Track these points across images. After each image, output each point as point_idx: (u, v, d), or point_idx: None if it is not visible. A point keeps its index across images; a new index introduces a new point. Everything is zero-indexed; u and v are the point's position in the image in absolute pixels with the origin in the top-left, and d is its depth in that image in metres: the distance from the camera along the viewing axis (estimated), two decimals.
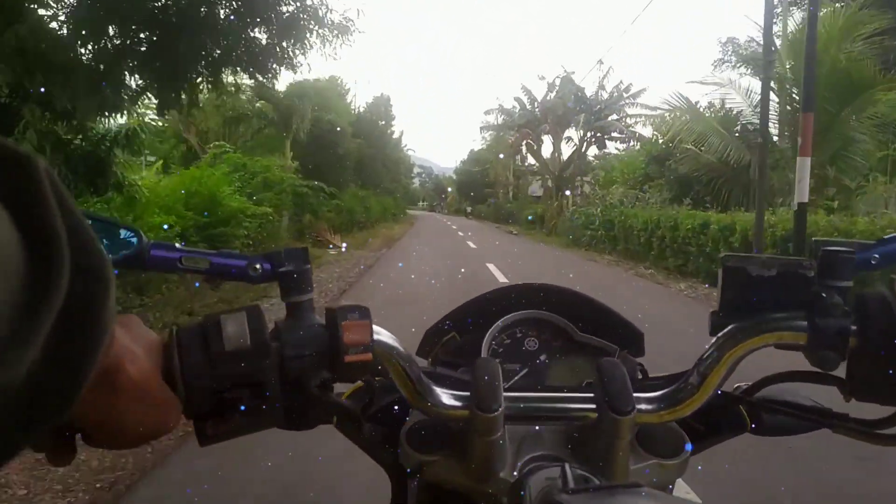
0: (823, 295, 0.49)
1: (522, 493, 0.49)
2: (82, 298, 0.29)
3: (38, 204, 0.27)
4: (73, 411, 0.30)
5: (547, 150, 29.81)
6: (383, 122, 37.28)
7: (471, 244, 19.47)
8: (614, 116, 27.32)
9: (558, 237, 23.90)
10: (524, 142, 28.38)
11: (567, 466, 0.49)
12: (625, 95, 27.03)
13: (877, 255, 0.52)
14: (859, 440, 0.56)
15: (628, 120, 27.08)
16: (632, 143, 27.53)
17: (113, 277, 0.31)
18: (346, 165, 26.76)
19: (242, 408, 0.44)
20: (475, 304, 0.84)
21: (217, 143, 14.72)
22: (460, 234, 26.73)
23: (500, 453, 0.54)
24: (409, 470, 0.59)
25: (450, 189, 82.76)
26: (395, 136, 46.08)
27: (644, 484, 0.45)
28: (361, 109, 36.64)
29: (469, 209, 67.65)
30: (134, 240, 0.49)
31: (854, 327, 0.48)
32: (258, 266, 0.50)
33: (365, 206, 26.81)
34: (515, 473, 0.54)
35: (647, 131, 26.94)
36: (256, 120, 18.41)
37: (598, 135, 27.28)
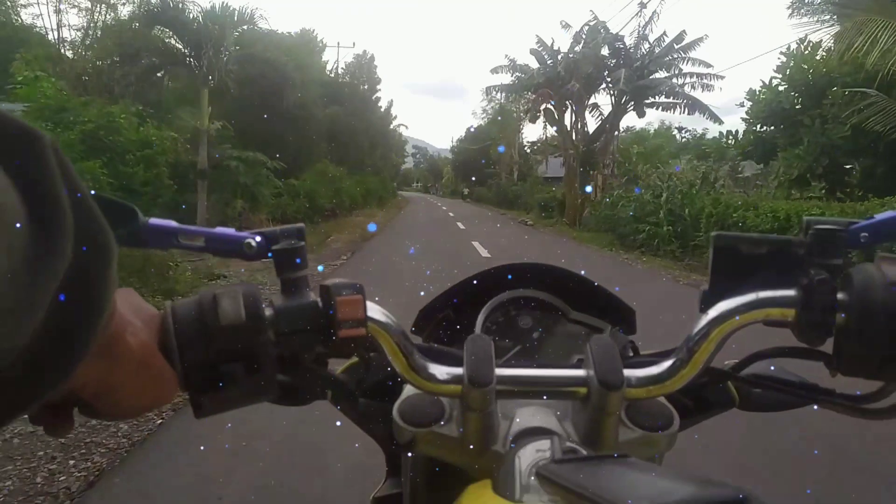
0: (812, 272, 0.50)
1: (513, 464, 0.50)
2: (85, 269, 0.30)
3: (44, 178, 0.27)
4: (72, 381, 0.31)
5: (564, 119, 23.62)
6: (366, 87, 30.80)
7: (478, 247, 13.20)
8: (661, 74, 21.04)
9: (588, 231, 17.88)
10: (543, 106, 22.15)
11: (556, 439, 0.50)
12: (675, 47, 20.74)
13: (866, 234, 0.52)
14: (846, 415, 0.57)
15: (677, 79, 20.81)
16: (681, 110, 21.31)
17: (115, 249, 0.32)
18: (310, 135, 20.53)
19: (237, 381, 0.45)
20: (469, 282, 0.84)
21: (34, 72, 8.38)
22: (460, 225, 20.56)
23: (492, 427, 0.55)
24: (402, 444, 0.59)
25: (450, 170, 76.29)
26: (383, 106, 39.72)
27: (631, 455, 0.46)
28: (341, 70, 30.27)
29: (467, 191, 61.34)
30: (131, 216, 0.48)
31: (841, 304, 0.49)
32: (253, 243, 0.50)
33: (336, 189, 20.61)
34: (507, 447, 0.54)
35: (703, 95, 20.76)
36: (148, 54, 11.94)
37: (635, 99, 21.07)
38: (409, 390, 0.60)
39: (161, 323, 0.45)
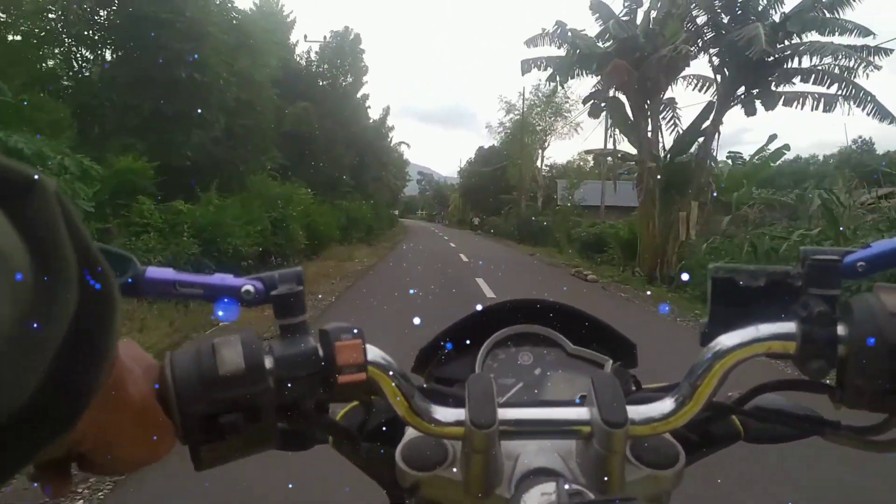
0: (811, 304, 0.50)
1: None
2: (90, 319, 0.29)
3: (48, 225, 0.27)
4: (72, 434, 0.31)
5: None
6: (349, 79, 22.99)
7: None
8: (812, 38, 13.21)
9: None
10: (612, 92, 14.31)
11: (561, 481, 0.49)
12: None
13: (863, 263, 0.52)
14: (850, 447, 0.56)
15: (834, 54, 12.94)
16: (813, 105, 13.54)
17: (119, 299, 0.32)
18: (244, 132, 12.71)
19: (238, 432, 0.44)
20: (469, 320, 0.84)
21: None
22: (483, 287, 11.94)
23: (495, 469, 0.55)
24: (406, 488, 0.58)
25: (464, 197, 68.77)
26: (373, 109, 31.93)
27: (638, 497, 0.45)
28: (314, 56, 22.49)
29: (477, 221, 53.53)
30: (128, 266, 0.48)
31: (842, 335, 0.49)
32: (251, 289, 0.50)
33: (278, 219, 12.63)
34: (512, 489, 0.54)
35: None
36: None
37: (758, 83, 13.25)
38: (411, 433, 0.59)
39: (160, 373, 0.44)
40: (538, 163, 37.03)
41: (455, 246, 26.04)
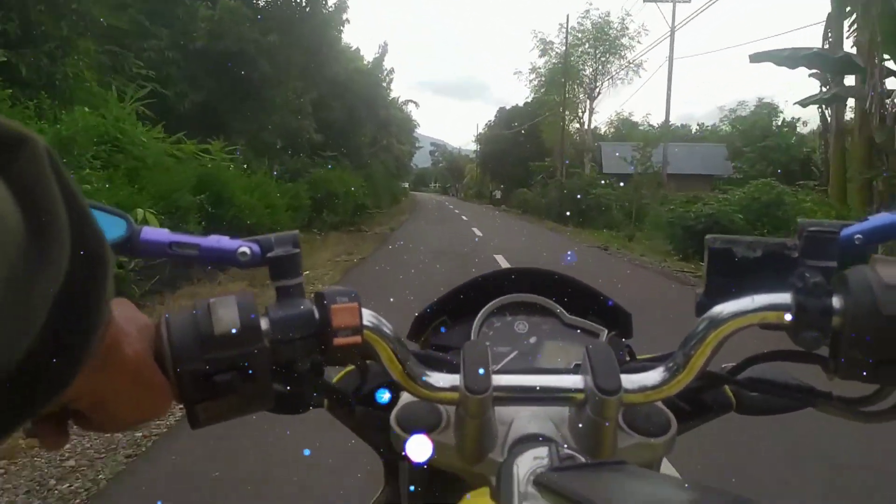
0: (807, 275, 0.50)
1: (511, 472, 0.50)
2: (82, 278, 0.29)
3: (39, 184, 0.26)
4: (68, 392, 0.31)
5: None
6: None
7: None
8: None
9: None
10: None
11: (554, 446, 0.50)
12: None
13: (860, 235, 0.53)
14: (843, 418, 0.57)
15: None
16: None
17: (112, 259, 0.32)
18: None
19: (233, 391, 0.45)
20: (465, 288, 0.84)
21: None
22: None
23: (489, 434, 0.56)
24: (399, 452, 0.59)
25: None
26: (360, 47, 23.53)
27: (629, 461, 0.47)
28: None
29: (499, 195, 45.41)
30: (123, 224, 0.49)
31: (836, 307, 0.49)
32: (247, 251, 0.51)
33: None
34: (505, 453, 0.55)
35: None
36: None
37: None
38: (406, 398, 0.60)
39: (156, 333, 0.44)
40: (585, 118, 28.86)
41: (481, 234, 17.91)
